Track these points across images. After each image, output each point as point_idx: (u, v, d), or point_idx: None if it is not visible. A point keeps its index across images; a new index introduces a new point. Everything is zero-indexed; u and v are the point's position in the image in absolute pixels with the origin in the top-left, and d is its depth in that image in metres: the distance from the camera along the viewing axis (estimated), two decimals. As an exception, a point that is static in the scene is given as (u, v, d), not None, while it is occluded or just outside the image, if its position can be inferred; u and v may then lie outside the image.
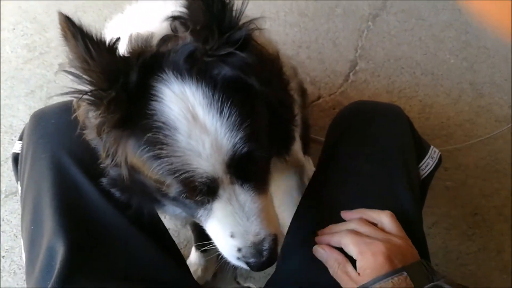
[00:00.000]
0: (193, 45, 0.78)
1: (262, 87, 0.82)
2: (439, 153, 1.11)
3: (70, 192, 0.94)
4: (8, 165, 1.91)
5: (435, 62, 2.29)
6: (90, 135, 0.89)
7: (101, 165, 0.90)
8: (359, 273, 0.85)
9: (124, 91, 0.76)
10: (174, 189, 0.80)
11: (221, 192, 0.84)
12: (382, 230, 0.91)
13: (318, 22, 2.45)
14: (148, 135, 0.76)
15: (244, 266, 0.89)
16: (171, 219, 1.77)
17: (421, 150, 1.10)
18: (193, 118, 0.77)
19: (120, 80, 0.75)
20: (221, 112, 0.77)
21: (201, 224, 0.91)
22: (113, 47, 0.76)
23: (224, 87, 0.78)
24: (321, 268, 0.94)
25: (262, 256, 0.86)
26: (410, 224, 0.94)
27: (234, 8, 0.79)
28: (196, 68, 0.78)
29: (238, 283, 1.63)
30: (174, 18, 0.84)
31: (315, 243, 0.98)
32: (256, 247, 0.86)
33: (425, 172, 1.07)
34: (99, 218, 0.93)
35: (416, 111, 2.09)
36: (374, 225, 0.93)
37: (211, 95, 0.77)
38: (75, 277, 0.84)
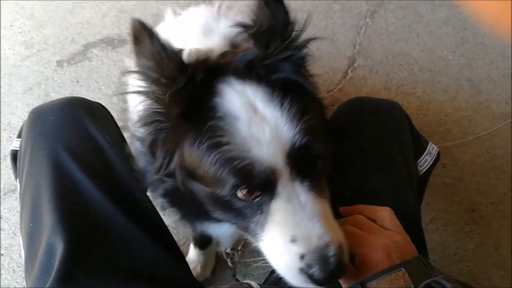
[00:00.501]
0: (252, 54, 0.82)
1: (315, 91, 0.86)
2: (438, 149, 1.12)
3: (69, 189, 0.94)
4: (7, 162, 1.91)
5: (433, 59, 2.29)
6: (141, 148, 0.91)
7: (150, 179, 0.91)
8: (357, 268, 0.86)
9: (190, 85, 0.79)
10: (230, 184, 0.77)
11: (280, 190, 0.79)
12: (381, 226, 0.91)
13: (316, 18, 2.45)
14: (209, 123, 0.78)
15: (307, 284, 0.79)
16: (170, 216, 1.77)
17: (420, 146, 1.10)
18: (253, 110, 0.79)
19: (188, 72, 0.78)
20: (280, 106, 0.79)
21: (252, 239, 0.85)
22: (179, 52, 0.80)
23: (283, 86, 0.81)
24: None
25: (329, 263, 0.77)
26: (409, 220, 0.94)
27: (296, 22, 0.85)
28: (255, 72, 0.82)
29: (237, 280, 1.63)
30: (238, 26, 0.89)
31: None
32: (322, 252, 0.77)
33: (424, 169, 1.08)
34: (98, 215, 0.93)
35: (414, 108, 2.09)
36: (373, 221, 0.93)
37: (271, 92, 0.80)
38: (74, 274, 0.84)
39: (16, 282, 1.62)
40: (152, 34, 0.77)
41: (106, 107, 1.24)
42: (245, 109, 0.78)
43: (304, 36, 0.87)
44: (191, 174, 0.83)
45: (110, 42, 2.40)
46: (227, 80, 0.82)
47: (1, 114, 2.09)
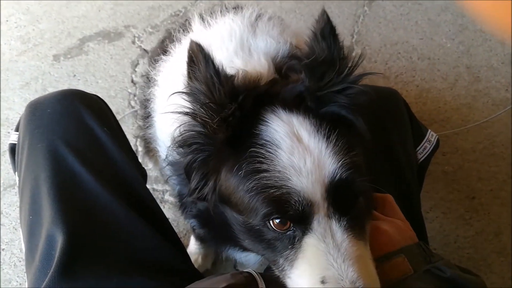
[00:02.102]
0: (303, 86, 0.82)
1: (366, 130, 0.84)
2: (437, 136, 1.11)
3: (68, 181, 0.94)
4: (6, 158, 1.91)
5: (432, 47, 2.28)
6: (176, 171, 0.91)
7: (184, 200, 0.91)
8: None
9: (238, 111, 0.78)
10: (263, 212, 0.75)
11: (315, 225, 0.76)
12: (381, 213, 0.91)
13: (314, 7, 2.43)
14: (250, 149, 0.77)
15: None
16: (170, 209, 1.78)
17: (419, 134, 1.10)
18: (297, 139, 0.77)
19: (239, 100, 0.78)
20: (326, 138, 0.77)
21: (280, 274, 0.82)
22: (232, 78, 0.81)
23: (330, 120, 0.80)
24: None
25: None
26: (410, 207, 0.94)
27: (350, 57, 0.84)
28: (304, 104, 0.81)
29: (237, 270, 1.64)
30: (292, 58, 0.89)
31: None
32: None
33: (423, 156, 1.08)
34: (97, 206, 0.93)
35: (413, 96, 2.08)
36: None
37: (318, 124, 0.79)
38: (75, 266, 0.84)
39: (17, 276, 1.62)
40: (208, 58, 0.77)
41: (104, 100, 1.23)
42: (288, 138, 0.77)
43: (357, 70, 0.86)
44: (225, 199, 0.82)
45: (107, 36, 2.38)
46: (274, 109, 0.81)
47: (-1, 110, 2.09)
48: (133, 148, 1.61)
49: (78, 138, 0.98)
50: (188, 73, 0.80)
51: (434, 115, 2.03)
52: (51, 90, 2.16)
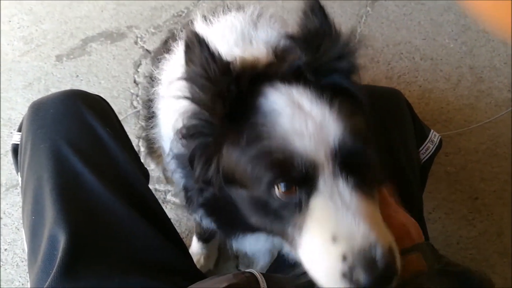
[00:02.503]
0: (301, 61, 0.81)
1: (365, 100, 0.83)
2: (440, 137, 1.11)
3: (70, 181, 0.94)
4: (8, 158, 1.91)
5: (434, 47, 2.28)
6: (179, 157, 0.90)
7: (189, 194, 0.90)
8: None
9: (235, 87, 0.78)
10: (267, 179, 0.74)
11: (321, 186, 0.74)
12: None
13: (316, 8, 2.43)
14: (250, 121, 0.77)
15: None
16: (172, 209, 1.78)
17: (422, 134, 1.09)
18: (298, 107, 0.76)
19: (234, 75, 0.78)
20: (327, 104, 0.76)
21: (291, 247, 0.80)
22: (227, 60, 0.80)
23: (332, 90, 0.79)
24: None
25: (376, 266, 0.67)
26: (411, 207, 0.94)
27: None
28: (303, 78, 0.80)
29: (239, 270, 1.64)
30: (285, 37, 0.88)
31: None
32: (366, 253, 0.68)
33: (426, 156, 1.07)
34: (100, 207, 0.93)
35: (415, 97, 2.08)
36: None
37: (318, 93, 0.78)
38: (77, 266, 0.85)
39: (20, 276, 1.62)
40: (203, 42, 0.77)
41: (106, 100, 1.23)
42: (289, 106, 0.76)
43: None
44: (229, 178, 0.81)
45: (109, 36, 2.39)
46: (273, 84, 0.80)
47: (1, 110, 2.09)
48: (136, 148, 1.61)
49: (80, 138, 0.98)
50: (185, 59, 0.80)
51: (437, 116, 2.02)
52: (53, 90, 2.16)
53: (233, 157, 0.79)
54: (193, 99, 0.80)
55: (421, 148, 1.07)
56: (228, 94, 0.77)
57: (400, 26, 2.37)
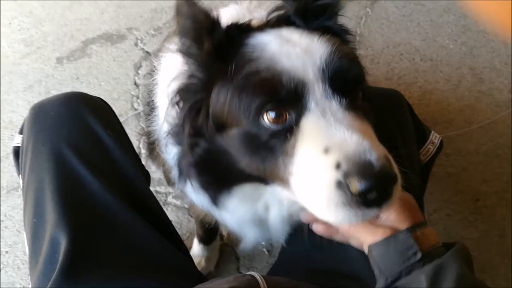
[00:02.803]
0: (290, 12, 0.84)
1: (351, 41, 0.86)
2: (440, 138, 1.11)
3: (72, 184, 0.94)
4: (9, 160, 1.91)
5: (434, 48, 2.28)
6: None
7: (180, 155, 0.89)
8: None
9: (225, 30, 0.80)
10: (255, 105, 0.72)
11: (312, 106, 0.71)
12: None
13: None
14: (239, 52, 0.77)
15: (352, 212, 0.65)
16: (173, 211, 1.78)
17: (422, 135, 1.09)
18: (287, 39, 0.78)
19: (221, 22, 0.80)
20: (318, 36, 0.78)
21: (284, 184, 0.75)
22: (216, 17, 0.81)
23: (323, 30, 0.81)
24: (332, 250, 0.93)
25: (372, 167, 0.63)
26: None
27: None
28: (293, 25, 0.83)
29: (240, 273, 1.64)
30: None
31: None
32: (361, 157, 0.64)
33: (426, 158, 1.07)
34: (101, 209, 0.93)
35: (416, 98, 2.08)
36: None
37: (309, 31, 0.80)
38: (78, 269, 0.84)
39: (21, 279, 1.62)
40: (193, 3, 0.78)
41: (107, 102, 1.23)
42: (278, 37, 0.78)
43: None
44: (218, 121, 0.79)
45: (109, 38, 2.39)
46: (263, 30, 0.83)
47: (2, 112, 2.09)
48: (136, 150, 1.61)
49: (82, 140, 0.98)
50: (176, 19, 0.81)
51: (437, 117, 2.02)
52: (54, 92, 2.17)
53: (222, 93, 0.78)
54: (182, 50, 0.81)
55: (421, 150, 1.07)
56: (213, 30, 0.79)
57: (400, 27, 2.37)
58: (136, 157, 1.14)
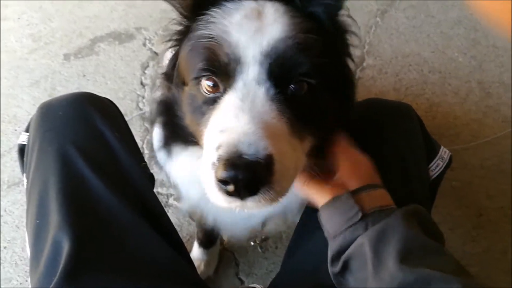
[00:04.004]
0: None
1: (337, 37, 0.84)
2: (450, 154, 1.10)
3: (77, 186, 0.93)
4: (11, 155, 1.90)
5: (443, 60, 2.27)
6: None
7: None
8: (338, 179, 0.84)
9: None
10: (197, 68, 0.75)
11: (239, 85, 0.72)
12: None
13: (326, 17, 2.43)
14: (210, 11, 0.79)
15: (218, 195, 0.68)
16: (174, 213, 1.77)
17: (432, 150, 1.08)
18: (258, 11, 0.77)
19: None
20: (288, 17, 0.77)
21: (201, 140, 0.79)
22: None
23: (305, 15, 0.79)
24: None
25: (241, 159, 0.64)
26: None
27: None
28: (291, 2, 0.81)
29: (239, 279, 1.63)
30: None
31: (323, 239, 0.88)
32: (236, 147, 0.65)
33: (435, 173, 1.06)
34: (106, 213, 0.92)
35: (423, 110, 2.07)
36: None
37: (289, 10, 0.79)
38: (80, 273, 0.83)
39: (18, 275, 1.61)
40: None
41: (114, 103, 1.23)
42: (250, 8, 0.78)
43: None
44: (179, 73, 0.84)
45: (118, 37, 2.39)
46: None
47: (7, 107, 2.09)
48: (140, 150, 1.60)
49: (88, 142, 0.97)
50: None
51: (444, 130, 2.01)
52: (60, 89, 2.16)
53: (184, 49, 0.82)
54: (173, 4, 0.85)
55: (431, 165, 1.05)
56: None
57: (409, 38, 2.36)
58: (141, 159, 1.13)
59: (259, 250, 1.64)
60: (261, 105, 0.70)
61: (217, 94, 0.76)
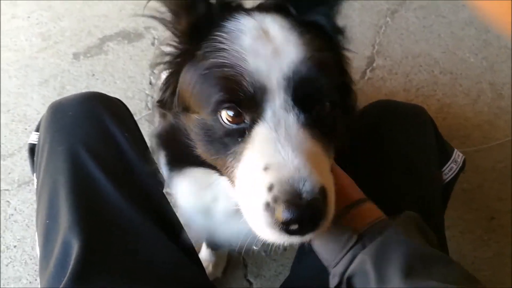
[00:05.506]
0: None
1: (339, 44, 0.82)
2: (463, 157, 1.08)
3: (87, 187, 0.92)
4: (22, 154, 1.91)
5: (454, 61, 2.24)
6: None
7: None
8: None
9: (205, 4, 0.78)
10: (215, 99, 0.71)
11: (268, 115, 0.70)
12: None
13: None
14: (212, 35, 0.76)
15: (274, 231, 0.66)
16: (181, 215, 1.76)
17: (445, 154, 1.06)
18: (263, 31, 0.75)
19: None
20: (298, 35, 0.74)
21: (230, 176, 0.75)
22: None
23: (309, 26, 0.78)
24: None
25: (301, 198, 0.63)
26: (433, 228, 0.91)
27: None
28: (284, 11, 0.79)
29: (248, 280, 1.62)
30: None
31: None
32: (293, 186, 0.63)
33: (449, 177, 1.04)
34: (115, 214, 0.92)
35: (433, 111, 2.05)
36: None
37: (294, 24, 0.76)
38: (89, 274, 0.83)
39: (28, 274, 1.62)
40: None
41: (124, 103, 1.22)
42: (255, 28, 0.75)
43: None
44: (184, 103, 0.80)
45: (127, 36, 2.39)
46: (250, 13, 0.80)
47: (17, 106, 2.09)
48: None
49: (99, 143, 0.97)
50: None
51: (455, 131, 1.99)
52: (69, 88, 2.17)
53: (189, 75, 0.78)
54: (163, 21, 0.81)
55: (444, 168, 1.04)
56: (193, 8, 0.77)
57: (419, 38, 2.34)
58: (150, 159, 1.12)
59: (263, 254, 1.63)
60: (296, 134, 0.69)
61: (242, 125, 0.72)
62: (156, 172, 1.13)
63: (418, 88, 2.14)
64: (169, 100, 0.83)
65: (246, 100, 0.70)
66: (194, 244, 1.06)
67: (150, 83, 2.18)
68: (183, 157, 0.84)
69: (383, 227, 0.76)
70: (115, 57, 2.29)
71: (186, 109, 0.80)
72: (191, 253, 1.05)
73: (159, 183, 1.11)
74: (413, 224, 0.79)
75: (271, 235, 0.67)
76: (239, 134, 0.72)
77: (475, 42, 2.31)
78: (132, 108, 1.86)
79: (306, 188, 0.63)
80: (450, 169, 1.04)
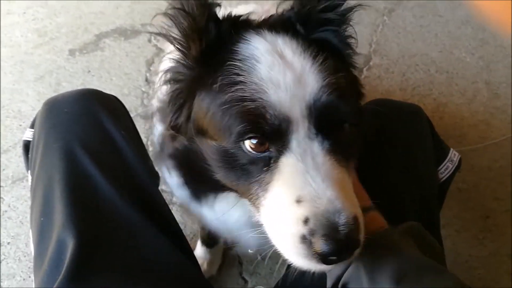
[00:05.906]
0: (292, 12, 0.81)
1: (351, 61, 0.83)
2: (459, 156, 1.08)
3: (82, 184, 0.92)
4: (16, 151, 1.90)
5: (451, 60, 2.25)
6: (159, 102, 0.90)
7: (161, 139, 0.88)
8: None
9: (215, 25, 0.77)
10: (237, 130, 0.70)
11: (293, 145, 0.70)
12: None
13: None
14: (227, 64, 0.74)
15: (309, 262, 0.68)
16: (178, 211, 1.76)
17: (441, 153, 1.07)
18: (279, 56, 0.74)
19: (215, 15, 0.77)
20: (311, 58, 0.74)
21: (254, 208, 0.76)
22: (212, 4, 0.78)
23: (320, 45, 0.78)
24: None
25: (338, 233, 0.65)
26: (431, 227, 0.91)
27: None
28: (292, 29, 0.79)
29: (243, 278, 1.62)
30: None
31: None
32: (330, 218, 0.65)
33: (444, 176, 1.04)
34: (110, 212, 0.91)
35: (430, 110, 2.05)
36: None
37: (305, 45, 0.76)
38: (84, 272, 0.82)
39: (21, 271, 1.61)
40: None
41: (121, 100, 1.21)
42: (269, 54, 0.74)
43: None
44: (199, 128, 0.79)
45: (123, 33, 2.38)
46: (259, 32, 0.79)
47: (12, 102, 2.08)
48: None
49: (94, 140, 0.96)
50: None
51: (451, 130, 1.99)
52: (65, 84, 2.16)
53: (205, 104, 0.76)
54: (170, 38, 0.79)
55: (440, 167, 1.04)
56: (205, 32, 0.76)
57: (416, 37, 2.34)
58: (147, 157, 1.12)
59: (259, 257, 1.63)
60: (322, 162, 0.70)
61: (267, 153, 0.72)
62: (152, 169, 1.12)
63: (415, 87, 2.14)
64: (184, 125, 0.82)
65: (270, 132, 0.71)
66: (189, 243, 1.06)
67: (146, 80, 2.17)
68: (203, 181, 0.84)
69: (382, 237, 0.77)
70: (111, 53, 2.28)
71: (202, 134, 0.79)
72: (186, 249, 1.04)
73: (155, 180, 1.11)
74: (410, 234, 0.80)
75: (307, 265, 0.69)
76: (264, 163, 0.72)
77: (472, 41, 2.31)
78: (128, 105, 1.85)
79: (342, 220, 0.65)
80: (446, 168, 1.05)
